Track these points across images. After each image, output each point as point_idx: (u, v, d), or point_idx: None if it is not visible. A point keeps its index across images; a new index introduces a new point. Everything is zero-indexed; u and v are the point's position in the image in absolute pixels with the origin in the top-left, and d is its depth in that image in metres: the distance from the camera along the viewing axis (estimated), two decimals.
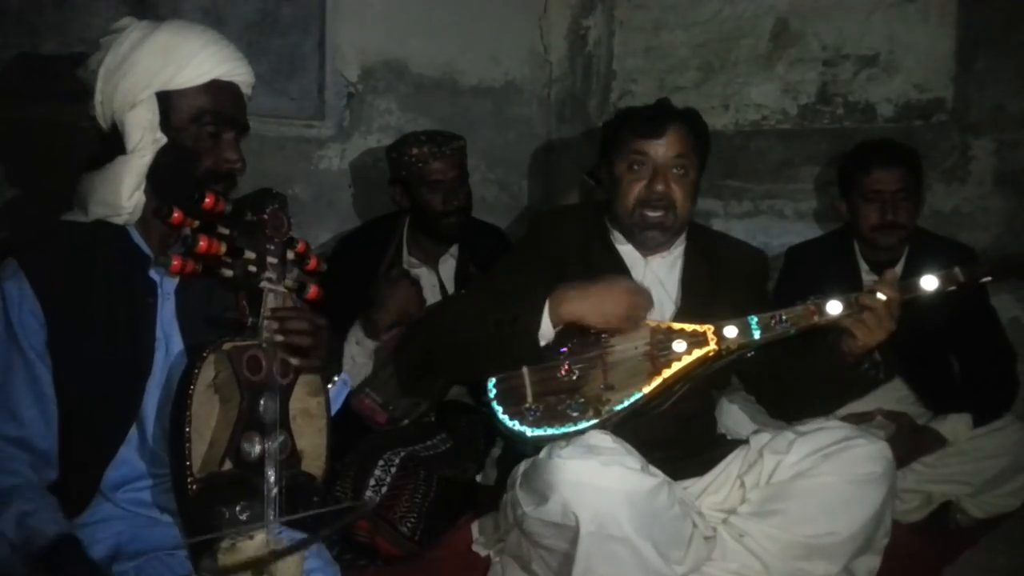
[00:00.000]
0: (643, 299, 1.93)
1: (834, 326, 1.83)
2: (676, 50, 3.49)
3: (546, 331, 1.87)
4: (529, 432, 1.84)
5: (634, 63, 3.62)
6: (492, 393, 1.90)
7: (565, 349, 1.91)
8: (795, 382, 1.97)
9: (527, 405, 1.87)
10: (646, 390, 1.84)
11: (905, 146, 2.63)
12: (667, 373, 1.85)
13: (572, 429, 1.81)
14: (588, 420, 1.82)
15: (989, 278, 1.90)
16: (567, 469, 1.68)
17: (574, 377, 1.88)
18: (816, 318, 1.83)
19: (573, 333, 1.92)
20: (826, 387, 1.95)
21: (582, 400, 1.85)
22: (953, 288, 1.83)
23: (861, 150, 2.64)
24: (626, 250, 2.09)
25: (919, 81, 2.97)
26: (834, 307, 1.82)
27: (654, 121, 2.01)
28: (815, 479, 1.84)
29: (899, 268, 2.52)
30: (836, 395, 2.05)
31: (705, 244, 2.14)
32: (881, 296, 1.78)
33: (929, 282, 1.83)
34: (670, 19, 3.50)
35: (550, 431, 1.82)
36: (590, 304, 1.88)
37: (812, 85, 3.19)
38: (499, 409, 1.88)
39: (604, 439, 1.77)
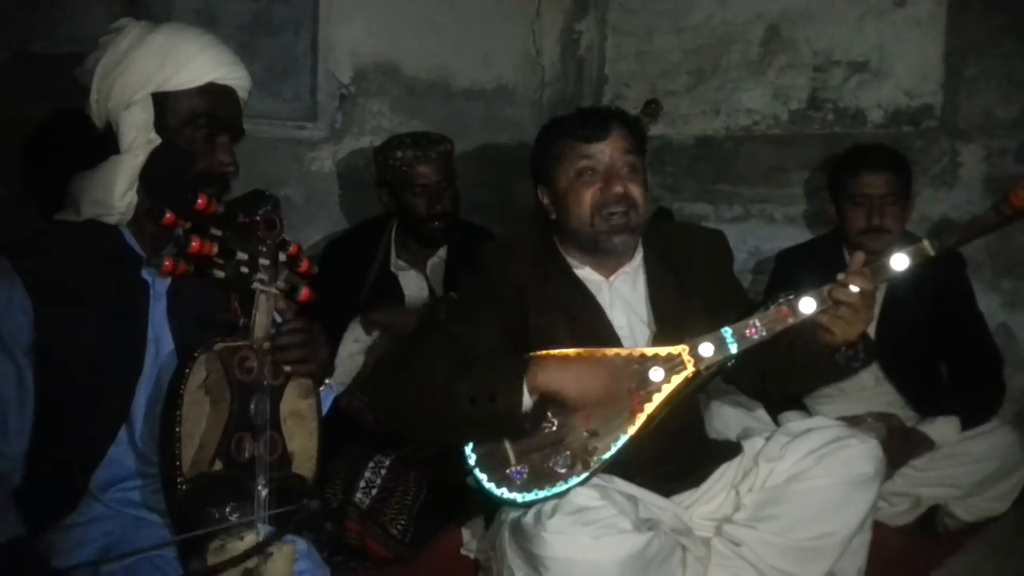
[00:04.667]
0: (622, 384, 1.78)
1: (811, 323, 1.75)
2: (668, 55, 3.51)
3: (525, 403, 1.74)
4: (520, 498, 1.74)
5: (626, 67, 3.63)
6: (472, 460, 1.79)
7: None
8: (772, 370, 1.92)
9: (511, 468, 1.76)
10: (631, 431, 1.76)
11: (894, 151, 2.64)
12: (649, 407, 1.77)
13: (563, 488, 1.72)
14: (578, 475, 1.74)
15: (958, 244, 1.78)
16: (556, 545, 1.62)
17: (553, 427, 1.78)
18: (791, 320, 1.75)
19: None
20: (804, 375, 1.90)
21: (567, 453, 1.76)
22: (924, 262, 1.72)
23: (850, 154, 2.66)
24: (585, 274, 1.97)
25: (909, 87, 2.99)
26: (807, 305, 1.73)
27: (596, 123, 1.91)
28: (809, 482, 1.83)
29: None
30: (816, 381, 2.02)
31: (661, 244, 2.02)
32: (854, 288, 1.68)
33: (899, 261, 1.70)
34: (662, 24, 3.51)
35: (541, 494, 1.73)
36: (569, 379, 1.75)
37: (802, 91, 3.20)
38: (483, 477, 1.77)
39: (591, 497, 1.70)
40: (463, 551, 2.13)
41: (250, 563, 1.25)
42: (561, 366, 1.77)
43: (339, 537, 2.15)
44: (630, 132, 1.95)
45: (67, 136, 1.87)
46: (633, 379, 1.79)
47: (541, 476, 1.75)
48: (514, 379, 1.74)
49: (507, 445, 1.79)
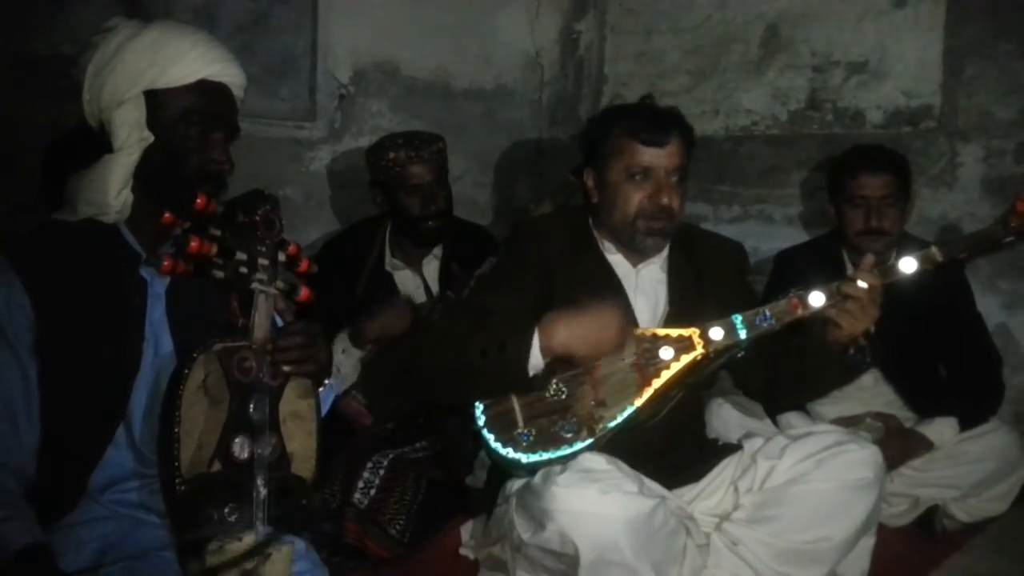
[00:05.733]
0: (627, 324, 1.85)
1: (818, 317, 1.82)
2: (667, 55, 3.51)
3: (535, 362, 1.79)
4: (524, 459, 1.79)
5: (625, 67, 3.63)
6: (481, 420, 1.84)
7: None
8: (782, 374, 1.96)
9: (519, 430, 1.81)
10: (638, 403, 1.81)
11: (893, 152, 2.64)
12: (657, 383, 1.82)
13: (568, 451, 1.77)
14: (583, 440, 1.78)
15: (966, 254, 1.87)
16: (565, 498, 1.66)
17: (563, 396, 1.83)
18: (800, 311, 1.83)
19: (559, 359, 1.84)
20: (814, 376, 1.95)
21: (574, 420, 1.80)
22: (931, 268, 1.82)
23: (849, 155, 2.66)
24: (616, 260, 2.04)
25: (908, 88, 2.99)
26: (817, 299, 1.82)
27: (658, 128, 1.95)
28: (808, 485, 1.84)
29: None
30: (824, 383, 2.07)
31: (686, 243, 2.09)
32: (863, 284, 1.77)
33: (908, 264, 1.81)
34: (661, 24, 3.52)
35: (545, 456, 1.78)
36: (581, 334, 1.80)
37: (802, 91, 3.21)
38: (491, 437, 1.82)
39: (599, 461, 1.74)
40: (462, 551, 2.13)
41: (249, 563, 1.25)
42: (572, 324, 1.80)
43: (338, 537, 2.15)
44: (686, 142, 2.00)
45: (78, 137, 1.87)
46: (643, 356, 1.84)
47: (547, 439, 1.79)
48: (525, 332, 1.79)
49: (516, 408, 1.84)
